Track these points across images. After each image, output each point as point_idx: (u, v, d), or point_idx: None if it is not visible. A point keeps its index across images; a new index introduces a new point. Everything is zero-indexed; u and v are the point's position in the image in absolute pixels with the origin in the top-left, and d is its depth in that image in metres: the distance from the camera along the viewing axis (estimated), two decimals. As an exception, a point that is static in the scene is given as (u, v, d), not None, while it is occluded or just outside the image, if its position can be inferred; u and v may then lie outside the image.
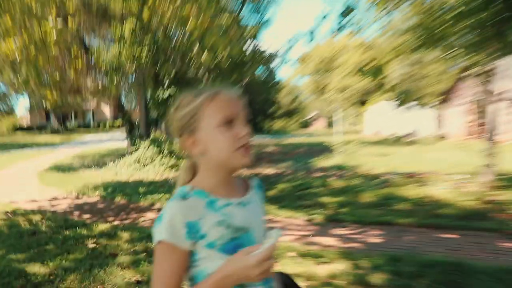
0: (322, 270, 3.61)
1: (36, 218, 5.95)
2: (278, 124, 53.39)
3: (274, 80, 34.18)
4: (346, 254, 3.94)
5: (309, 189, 7.64)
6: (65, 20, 8.62)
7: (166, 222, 1.01)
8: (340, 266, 3.64)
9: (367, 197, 6.70)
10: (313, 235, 4.79)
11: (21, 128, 42.44)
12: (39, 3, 7.16)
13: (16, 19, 6.42)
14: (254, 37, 8.79)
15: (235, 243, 1.06)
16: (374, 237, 4.67)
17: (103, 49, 9.73)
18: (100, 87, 12.52)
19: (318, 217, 5.59)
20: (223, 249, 1.04)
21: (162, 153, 11.98)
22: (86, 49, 10.91)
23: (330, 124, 60.64)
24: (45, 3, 7.55)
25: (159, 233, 1.02)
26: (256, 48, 11.20)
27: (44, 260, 3.96)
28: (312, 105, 64.78)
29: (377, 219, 5.32)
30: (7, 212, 6.48)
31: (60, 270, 3.69)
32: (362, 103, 42.01)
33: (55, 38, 7.14)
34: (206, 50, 6.88)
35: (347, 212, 5.81)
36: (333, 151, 13.42)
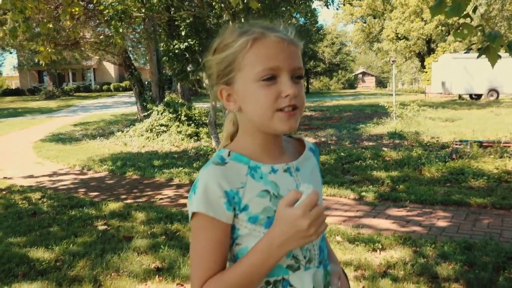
0: (376, 258, 3.64)
1: (36, 196, 6.26)
2: (318, 82, 52.74)
3: (314, 28, 33.46)
4: (406, 240, 3.94)
5: (358, 161, 7.60)
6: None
7: (202, 191, 1.02)
8: (398, 254, 3.66)
9: (431, 171, 6.60)
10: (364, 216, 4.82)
11: (9, 91, 43.97)
12: None
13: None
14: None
15: None
16: (440, 219, 4.63)
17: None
18: (102, 38, 12.68)
19: (370, 195, 5.58)
20: (268, 223, 1.03)
21: (179, 119, 12.15)
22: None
23: (381, 83, 59.42)
24: None
25: (194, 204, 1.03)
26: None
27: (49, 244, 4.19)
28: (361, 59, 63.41)
29: (444, 198, 5.26)
30: (2, 189, 6.84)
31: (68, 255, 3.90)
32: (426, 54, 40.61)
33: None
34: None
35: (406, 189, 5.76)
36: (388, 115, 13.19)
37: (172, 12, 8.68)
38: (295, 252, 1.07)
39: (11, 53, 41.74)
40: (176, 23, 8.74)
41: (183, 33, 8.53)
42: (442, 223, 4.50)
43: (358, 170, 7.01)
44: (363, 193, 5.68)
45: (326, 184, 6.22)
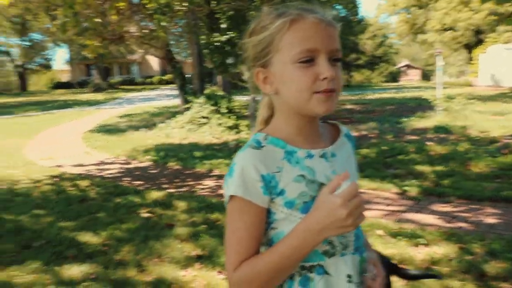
0: (420, 253, 3.55)
1: (84, 183, 6.50)
2: (359, 75, 51.80)
3: (355, 19, 32.84)
4: (451, 236, 3.82)
5: (401, 155, 7.42)
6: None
7: (238, 174, 1.02)
8: (442, 250, 3.55)
9: (479, 166, 6.35)
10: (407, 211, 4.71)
11: (60, 84, 45.78)
12: None
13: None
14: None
15: None
16: (488, 216, 4.45)
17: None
18: (145, 32, 12.94)
19: (413, 189, 5.44)
20: (305, 209, 1.03)
21: (220, 111, 12.25)
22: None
23: (426, 76, 57.58)
24: None
25: (231, 188, 1.02)
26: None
27: (96, 229, 4.35)
28: (405, 51, 61.72)
29: (492, 194, 5.05)
30: (54, 177, 7.15)
31: (114, 240, 4.05)
32: (474, 46, 39.04)
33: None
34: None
35: (452, 184, 5.57)
36: (433, 108, 12.80)
37: (212, 5, 8.74)
38: (331, 237, 1.05)
39: (61, 47, 43.35)
40: (216, 16, 8.79)
41: (223, 26, 8.57)
42: (490, 220, 4.32)
43: (401, 164, 6.84)
44: (406, 188, 5.53)
45: (367, 178, 6.11)
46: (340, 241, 1.09)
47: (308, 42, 1.00)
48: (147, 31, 12.89)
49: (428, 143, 8.33)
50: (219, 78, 16.84)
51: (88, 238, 4.15)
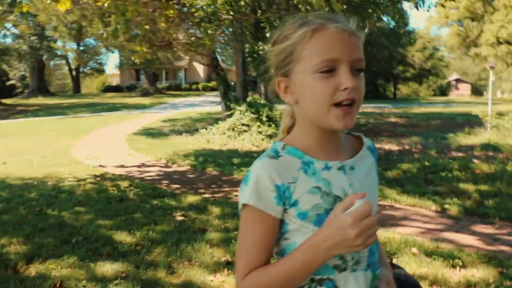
0: (455, 275, 3.41)
1: (124, 184, 6.70)
2: (406, 88, 50.64)
3: (404, 31, 32.19)
4: (491, 259, 3.65)
5: (443, 172, 7.18)
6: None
7: (253, 183, 1.01)
8: (480, 273, 3.40)
9: (528, 187, 6.04)
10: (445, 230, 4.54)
11: (111, 88, 47.40)
12: None
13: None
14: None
15: None
16: (533, 240, 4.23)
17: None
18: (192, 39, 13.22)
19: (454, 208, 5.25)
20: (318, 221, 1.02)
21: (260, 119, 12.30)
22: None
23: (477, 91, 55.56)
24: None
25: (245, 196, 1.02)
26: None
27: (131, 229, 4.47)
28: (455, 65, 59.91)
29: (540, 218, 4.80)
30: (96, 176, 7.41)
31: (147, 241, 4.14)
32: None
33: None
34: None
35: (496, 205, 5.33)
36: (482, 125, 12.31)
37: (258, 14, 8.82)
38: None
39: (113, 52, 44.93)
40: (261, 25, 8.86)
41: (268, 35, 8.63)
42: (535, 244, 4.11)
43: (443, 181, 6.61)
44: (447, 206, 5.34)
45: (406, 193, 5.96)
46: (352, 256, 1.06)
47: (329, 52, 0.99)
48: (194, 38, 13.18)
49: (474, 160, 8.02)
50: (262, 87, 16.93)
51: (123, 237, 4.27)
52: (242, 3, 8.03)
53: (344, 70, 0.99)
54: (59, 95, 42.84)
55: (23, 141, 12.87)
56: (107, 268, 3.57)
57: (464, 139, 11.17)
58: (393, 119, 18.17)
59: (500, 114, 11.88)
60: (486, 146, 9.70)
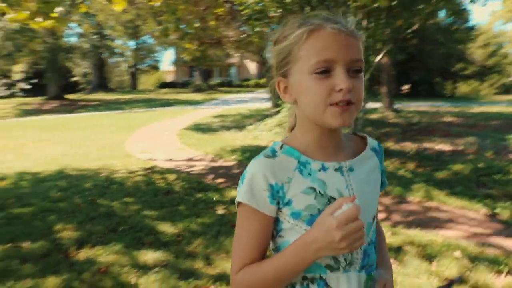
0: (499, 281, 3.29)
1: (172, 177, 6.93)
2: (466, 87, 48.38)
3: (464, 27, 30.81)
4: (539, 266, 3.49)
5: (498, 175, 6.86)
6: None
7: (247, 182, 1.04)
8: (526, 280, 3.26)
9: None
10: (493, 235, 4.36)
11: (166, 84, 48.73)
12: None
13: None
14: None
15: None
16: None
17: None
18: (242, 37, 13.35)
19: (506, 212, 5.01)
20: (311, 221, 1.02)
21: (308, 117, 12.28)
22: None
23: (545, 89, 52.08)
24: None
25: (240, 194, 1.05)
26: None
27: (174, 220, 4.65)
28: (520, 62, 56.55)
29: None
30: (146, 169, 7.70)
31: (188, 232, 4.29)
32: None
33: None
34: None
35: (552, 210, 5.06)
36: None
37: (307, 12, 8.77)
38: None
39: (168, 50, 46.11)
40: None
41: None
42: None
43: (497, 185, 6.31)
44: (497, 210, 5.11)
45: (455, 195, 5.76)
46: (345, 257, 1.06)
47: (325, 52, 0.99)
48: (243, 36, 13.31)
49: (532, 163, 7.60)
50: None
51: (166, 228, 4.44)
52: (289, 0, 8.01)
53: (340, 71, 0.99)
54: (117, 91, 44.47)
55: (82, 134, 13.54)
56: (148, 256, 3.74)
57: (525, 140, 10.59)
58: (449, 118, 17.46)
59: None
60: (547, 149, 9.16)
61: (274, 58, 1.10)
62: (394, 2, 6.96)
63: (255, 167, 1.05)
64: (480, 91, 47.41)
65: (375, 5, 4.62)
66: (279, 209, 1.05)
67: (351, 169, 1.10)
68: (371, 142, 1.20)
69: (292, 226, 1.05)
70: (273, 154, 1.07)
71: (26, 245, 4.08)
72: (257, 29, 8.76)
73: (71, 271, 3.47)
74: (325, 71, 0.99)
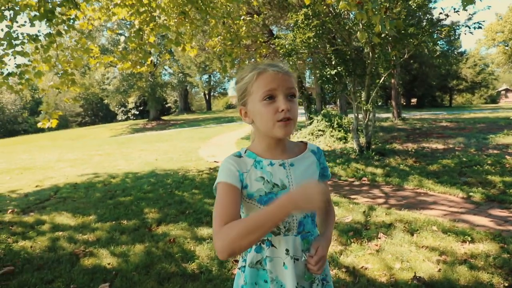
0: (463, 248, 3.15)
1: (227, 174, 7.06)
2: (460, 98, 45.48)
3: (456, 51, 29.01)
4: (496, 236, 3.29)
5: (476, 166, 6.46)
6: (252, 16, 9.52)
7: (225, 168, 1.10)
8: (484, 247, 3.09)
9: (551, 179, 5.21)
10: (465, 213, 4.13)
11: (231, 105, 49.52)
12: (234, 5, 8.17)
13: (217, 21, 7.49)
14: (424, 5, 7.69)
15: (270, 196, 1.10)
16: (544, 224, 3.68)
17: (283, 36, 10.38)
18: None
19: (478, 195, 4.74)
20: (260, 200, 1.09)
21: (332, 126, 12.09)
22: (272, 35, 11.90)
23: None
24: (238, 5, 8.55)
25: (219, 177, 1.09)
26: (426, 18, 9.80)
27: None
28: (504, 77, 52.39)
29: (556, 205, 4.14)
30: (211, 168, 7.91)
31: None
32: None
33: (245, 30, 8.02)
34: (360, 29, 6.48)
35: (517, 193, 4.71)
36: (521, 126, 10.72)
37: (327, 48, 8.71)
38: None
39: (230, 80, 46.84)
40: (328, 55, 8.74)
41: (333, 62, 8.49)
42: (542, 227, 3.58)
43: (474, 174, 5.96)
44: (471, 193, 4.85)
45: (440, 183, 5.50)
46: (284, 225, 1.13)
47: (269, 85, 1.06)
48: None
49: (506, 157, 7.07)
50: (338, 101, 16.53)
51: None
52: (311, 41, 8.01)
53: (280, 97, 1.07)
54: (197, 112, 45.79)
55: (170, 144, 14.05)
56: (204, 231, 3.86)
57: (502, 139, 9.84)
58: (444, 124, 16.49)
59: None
60: (521, 145, 8.47)
61: (237, 93, 1.16)
62: (387, 39, 6.77)
63: (228, 162, 1.12)
64: (472, 101, 44.42)
65: (378, 41, 4.53)
66: (241, 191, 1.10)
67: (291, 165, 1.16)
68: (311, 146, 1.26)
69: (248, 203, 1.12)
70: (239, 155, 1.15)
71: (124, 222, 4.34)
72: (291, 62, 8.85)
73: (151, 241, 3.66)
74: (270, 97, 1.07)
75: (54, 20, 4.82)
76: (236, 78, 1.18)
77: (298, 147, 1.24)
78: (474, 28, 7.25)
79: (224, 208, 1.03)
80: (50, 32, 4.93)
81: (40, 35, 4.95)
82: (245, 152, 1.17)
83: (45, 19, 4.71)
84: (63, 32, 5.28)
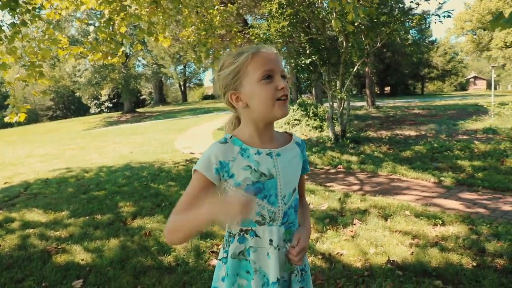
0: (435, 231, 3.25)
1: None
2: (431, 86, 46.87)
3: (427, 40, 29.78)
4: (465, 219, 3.42)
5: (446, 152, 6.69)
6: (226, 5, 9.38)
7: (205, 157, 1.08)
8: (454, 229, 3.20)
9: (514, 162, 5.47)
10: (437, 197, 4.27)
11: (207, 96, 49.03)
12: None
13: (191, 11, 7.32)
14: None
15: (257, 185, 1.09)
16: (506, 204, 3.87)
17: (258, 25, 10.31)
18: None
19: (448, 180, 4.91)
20: (247, 189, 1.08)
21: (308, 115, 12.17)
22: (247, 25, 11.77)
23: (491, 86, 49.99)
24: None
25: (198, 164, 1.08)
26: (398, 7, 9.98)
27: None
28: (473, 65, 54.42)
29: (518, 186, 4.35)
30: (187, 160, 7.81)
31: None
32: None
33: (219, 20, 7.88)
34: (334, 17, 6.51)
35: (484, 177, 4.92)
36: (487, 113, 11.19)
37: (301, 38, 8.70)
38: (263, 212, 1.10)
39: (206, 71, 46.25)
40: (302, 44, 8.74)
41: (308, 52, 8.50)
42: (506, 208, 3.75)
43: (445, 159, 6.17)
44: (442, 178, 5.02)
45: (413, 169, 5.66)
46: (269, 215, 1.11)
47: (267, 65, 1.07)
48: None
49: (475, 142, 7.36)
50: (313, 90, 16.65)
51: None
52: (286, 30, 8.00)
53: (278, 76, 1.08)
54: (172, 104, 45.05)
55: (145, 137, 13.72)
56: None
57: (471, 125, 10.22)
58: (416, 111, 16.95)
59: (502, 104, 10.71)
60: (487, 130, 8.84)
61: (223, 80, 1.12)
62: (361, 27, 6.84)
63: (211, 149, 1.09)
64: (442, 89, 45.88)
65: (351, 30, 4.56)
66: (225, 180, 1.09)
67: (278, 154, 1.14)
68: (296, 138, 1.25)
69: (234, 192, 1.09)
70: (225, 141, 1.11)
71: (98, 217, 4.22)
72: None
73: (127, 235, 3.58)
74: (269, 77, 1.07)
75: (18, 9, 4.54)
76: (220, 65, 1.14)
77: (283, 137, 1.23)
78: (444, 17, 7.46)
79: (188, 196, 1.05)
80: (14, 22, 4.65)
81: (3, 25, 4.65)
82: (231, 137, 1.13)
83: (8, 8, 4.43)
84: (29, 22, 4.99)
